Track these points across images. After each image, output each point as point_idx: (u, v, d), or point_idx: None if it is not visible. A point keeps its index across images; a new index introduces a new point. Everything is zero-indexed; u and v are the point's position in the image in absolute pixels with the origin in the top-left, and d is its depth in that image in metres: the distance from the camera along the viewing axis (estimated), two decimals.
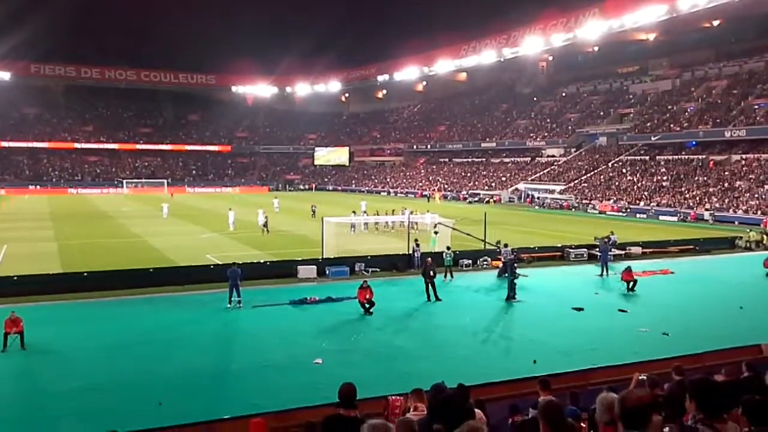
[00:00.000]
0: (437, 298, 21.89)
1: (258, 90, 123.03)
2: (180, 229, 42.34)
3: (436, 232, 33.08)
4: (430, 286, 22.08)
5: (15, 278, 22.13)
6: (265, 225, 39.45)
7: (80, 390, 13.25)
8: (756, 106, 64.03)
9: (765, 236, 37.43)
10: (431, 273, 22.22)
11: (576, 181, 70.57)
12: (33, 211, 57.35)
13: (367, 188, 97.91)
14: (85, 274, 23.40)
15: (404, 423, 4.69)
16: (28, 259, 28.12)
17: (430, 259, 23.59)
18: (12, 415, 12.14)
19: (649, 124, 72.59)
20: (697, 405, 4.08)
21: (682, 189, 58.53)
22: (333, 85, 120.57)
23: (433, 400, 5.39)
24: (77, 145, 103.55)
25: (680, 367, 8.60)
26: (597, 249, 29.61)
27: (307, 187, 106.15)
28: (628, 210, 57.91)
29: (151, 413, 11.97)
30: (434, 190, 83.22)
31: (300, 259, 27.08)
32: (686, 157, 64.99)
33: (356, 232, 39.48)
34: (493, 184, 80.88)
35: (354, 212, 44.86)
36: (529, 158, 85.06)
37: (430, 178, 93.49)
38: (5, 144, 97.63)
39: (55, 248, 32.77)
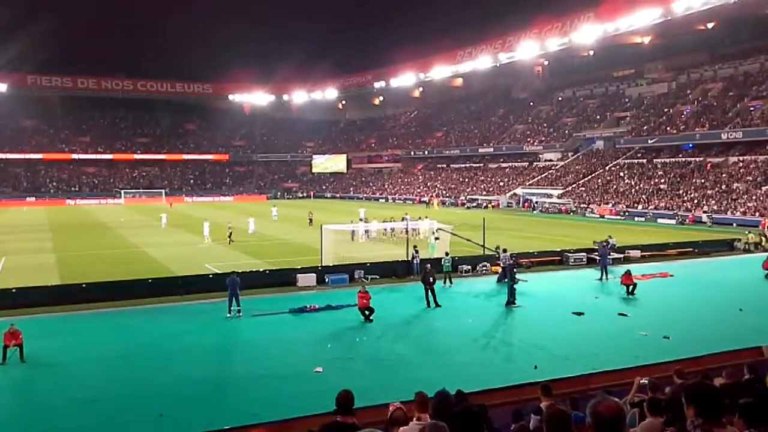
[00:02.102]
0: (437, 305, 21.86)
1: (255, 98, 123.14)
2: (178, 239, 42.27)
3: (436, 238, 33.03)
4: (429, 293, 22.06)
5: (14, 290, 22.05)
6: (230, 236, 39.03)
7: (80, 402, 13.20)
8: (752, 108, 64.24)
9: (763, 238, 37.48)
10: (431, 279, 22.21)
11: (574, 185, 70.65)
12: (31, 222, 57.26)
13: (365, 195, 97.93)
14: (84, 285, 23.34)
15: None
16: (26, 271, 28.07)
17: (429, 265, 23.60)
18: (12, 429, 12.08)
19: (645, 127, 72.77)
20: (696, 410, 4.04)
21: (680, 192, 58.63)
22: (330, 93, 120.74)
23: (438, 408, 5.33)
24: (75, 156, 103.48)
25: (682, 370, 8.59)
26: (596, 253, 29.61)
27: (305, 194, 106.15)
28: (626, 213, 57.96)
29: (151, 425, 11.97)
30: (433, 196, 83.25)
31: (299, 267, 27.06)
32: (683, 159, 65.12)
33: (364, 240, 39.40)
34: (491, 190, 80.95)
35: (361, 220, 44.90)
36: (527, 163, 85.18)
37: (429, 184, 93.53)
38: (2, 156, 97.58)
39: (54, 260, 32.70)
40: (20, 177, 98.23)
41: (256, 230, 44.89)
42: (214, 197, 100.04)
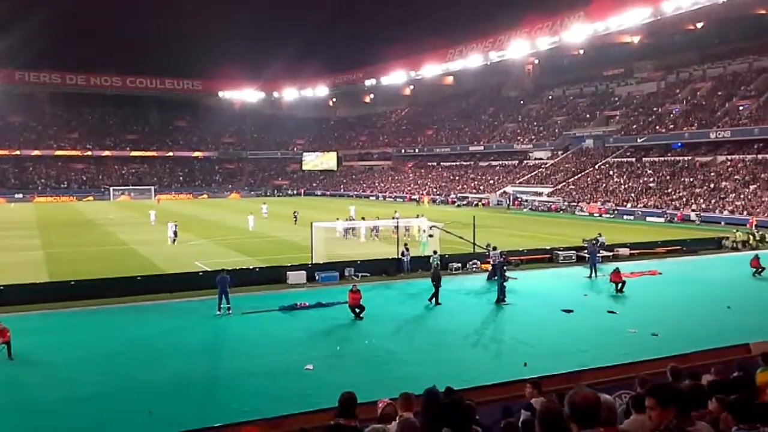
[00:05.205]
0: (437, 303, 21.84)
1: (245, 95, 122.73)
2: (168, 236, 41.98)
3: (430, 236, 33.06)
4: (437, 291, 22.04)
5: (1, 288, 21.90)
6: (175, 233, 38.33)
7: (69, 400, 13.13)
8: (740, 107, 64.69)
9: (751, 236, 37.75)
10: (439, 277, 22.30)
11: (563, 184, 70.91)
12: (19, 219, 56.81)
13: (355, 193, 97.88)
14: (73, 282, 23.21)
15: (408, 423, 4.64)
16: (14, 269, 27.82)
17: (437, 263, 23.80)
18: (0, 426, 12.00)
19: (635, 126, 73.12)
20: (655, 402, 4.07)
21: (669, 190, 58.98)
22: (320, 90, 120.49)
23: (427, 405, 5.34)
24: (63, 153, 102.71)
25: (676, 367, 8.59)
26: (585, 251, 29.76)
27: (295, 192, 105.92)
28: (616, 212, 58.24)
29: (141, 422, 11.92)
30: (423, 194, 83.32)
31: (289, 264, 27.00)
32: (672, 158, 65.49)
33: (365, 239, 39.14)
34: (482, 188, 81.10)
35: (363, 218, 44.73)
36: (517, 161, 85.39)
37: (419, 182, 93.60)
38: None
39: (42, 257, 32.47)
40: (8, 173, 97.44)
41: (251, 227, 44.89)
42: (201, 195, 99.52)
